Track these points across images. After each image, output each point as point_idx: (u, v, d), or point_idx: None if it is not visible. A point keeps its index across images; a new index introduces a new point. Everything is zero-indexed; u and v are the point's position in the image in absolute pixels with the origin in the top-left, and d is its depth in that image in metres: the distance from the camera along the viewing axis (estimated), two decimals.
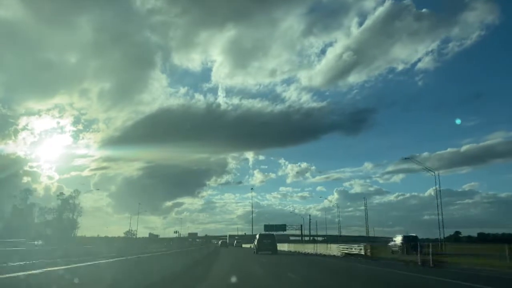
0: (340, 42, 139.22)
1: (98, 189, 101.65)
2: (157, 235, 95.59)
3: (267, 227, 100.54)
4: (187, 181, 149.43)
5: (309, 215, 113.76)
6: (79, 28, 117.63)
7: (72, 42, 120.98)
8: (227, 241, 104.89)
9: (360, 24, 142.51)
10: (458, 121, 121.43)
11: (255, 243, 35.16)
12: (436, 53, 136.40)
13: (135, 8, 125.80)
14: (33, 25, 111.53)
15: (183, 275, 13.06)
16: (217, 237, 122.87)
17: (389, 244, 31.38)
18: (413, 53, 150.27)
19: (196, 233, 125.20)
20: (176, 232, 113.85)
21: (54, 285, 4.51)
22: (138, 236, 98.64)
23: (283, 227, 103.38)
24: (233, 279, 12.08)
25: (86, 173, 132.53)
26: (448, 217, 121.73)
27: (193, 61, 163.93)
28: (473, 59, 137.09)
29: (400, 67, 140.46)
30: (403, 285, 12.00)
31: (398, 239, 30.84)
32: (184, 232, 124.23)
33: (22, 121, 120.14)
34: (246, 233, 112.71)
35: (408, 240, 29.37)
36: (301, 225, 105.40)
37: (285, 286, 11.56)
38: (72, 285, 4.83)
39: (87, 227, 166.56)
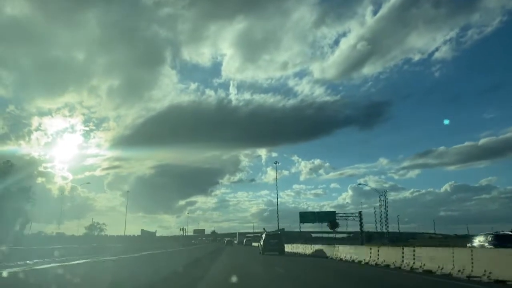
0: (354, 32, 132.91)
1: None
2: (154, 232, 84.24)
3: (304, 216, 71.00)
4: (200, 179, 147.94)
5: (384, 196, 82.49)
6: (86, 25, 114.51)
7: (79, 39, 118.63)
8: (237, 239, 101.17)
9: (375, 12, 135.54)
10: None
11: (261, 243, 33.75)
12: (454, 42, 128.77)
13: (142, 1, 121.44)
14: (39, 22, 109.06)
15: None
16: (229, 235, 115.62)
17: (471, 245, 20.22)
18: (431, 42, 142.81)
19: (203, 230, 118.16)
20: (182, 229, 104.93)
21: None
22: (128, 233, 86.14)
23: (330, 216, 70.24)
24: None
25: (98, 172, 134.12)
26: (464, 213, 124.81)
27: (202, 55, 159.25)
28: (493, 47, 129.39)
29: (417, 57, 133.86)
30: None
31: (485, 239, 19.69)
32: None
33: (35, 122, 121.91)
34: (266, 229, 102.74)
35: (504, 240, 18.29)
36: (360, 212, 69.72)
37: None
38: None
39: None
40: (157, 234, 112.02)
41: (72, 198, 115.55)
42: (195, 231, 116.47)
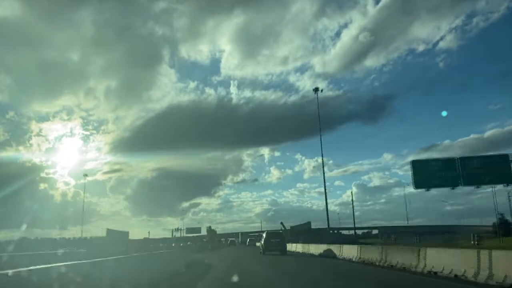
0: (356, 22, 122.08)
1: None
2: (126, 232, 70.16)
3: (426, 169, 36.99)
4: (203, 180, 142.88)
5: None
6: (80, 24, 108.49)
7: (73, 39, 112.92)
8: (240, 239, 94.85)
9: (377, 1, 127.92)
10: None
11: (262, 242, 33.18)
12: (459, 30, 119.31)
13: None
14: (31, 23, 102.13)
15: None
16: (231, 234, 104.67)
17: None
18: (435, 31, 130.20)
19: (199, 228, 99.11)
20: (178, 229, 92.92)
21: None
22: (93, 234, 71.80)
23: (498, 163, 35.49)
24: None
25: (100, 176, 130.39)
26: (469, 207, 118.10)
27: (200, 52, 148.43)
28: (500, 34, 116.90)
29: (421, 47, 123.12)
30: None
31: None
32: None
33: (34, 127, 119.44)
34: (284, 225, 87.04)
35: None
36: None
37: None
38: None
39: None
40: (159, 237, 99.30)
41: (75, 203, 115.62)
42: (188, 230, 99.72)
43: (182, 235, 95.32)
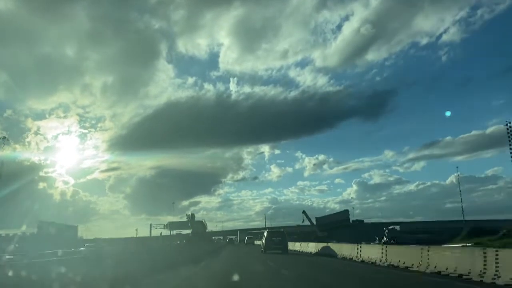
0: (357, 14, 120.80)
1: None
2: (74, 227, 59.46)
3: None
4: (202, 179, 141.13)
5: None
6: (74, 18, 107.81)
7: (68, 34, 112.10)
8: (238, 237, 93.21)
9: None
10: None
11: (263, 241, 33.32)
12: (463, 23, 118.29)
13: None
14: (25, 17, 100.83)
15: None
16: (230, 232, 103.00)
17: None
18: (439, 23, 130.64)
19: (186, 222, 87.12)
20: (166, 226, 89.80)
21: None
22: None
23: None
24: None
25: (98, 175, 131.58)
26: (470, 205, 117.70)
27: (198, 46, 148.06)
28: (505, 27, 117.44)
29: (424, 41, 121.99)
30: None
31: None
32: None
33: (32, 125, 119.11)
34: (308, 216, 75.81)
35: None
36: None
37: None
38: None
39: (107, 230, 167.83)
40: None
41: (74, 202, 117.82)
42: (171, 224, 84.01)
43: (171, 232, 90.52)
